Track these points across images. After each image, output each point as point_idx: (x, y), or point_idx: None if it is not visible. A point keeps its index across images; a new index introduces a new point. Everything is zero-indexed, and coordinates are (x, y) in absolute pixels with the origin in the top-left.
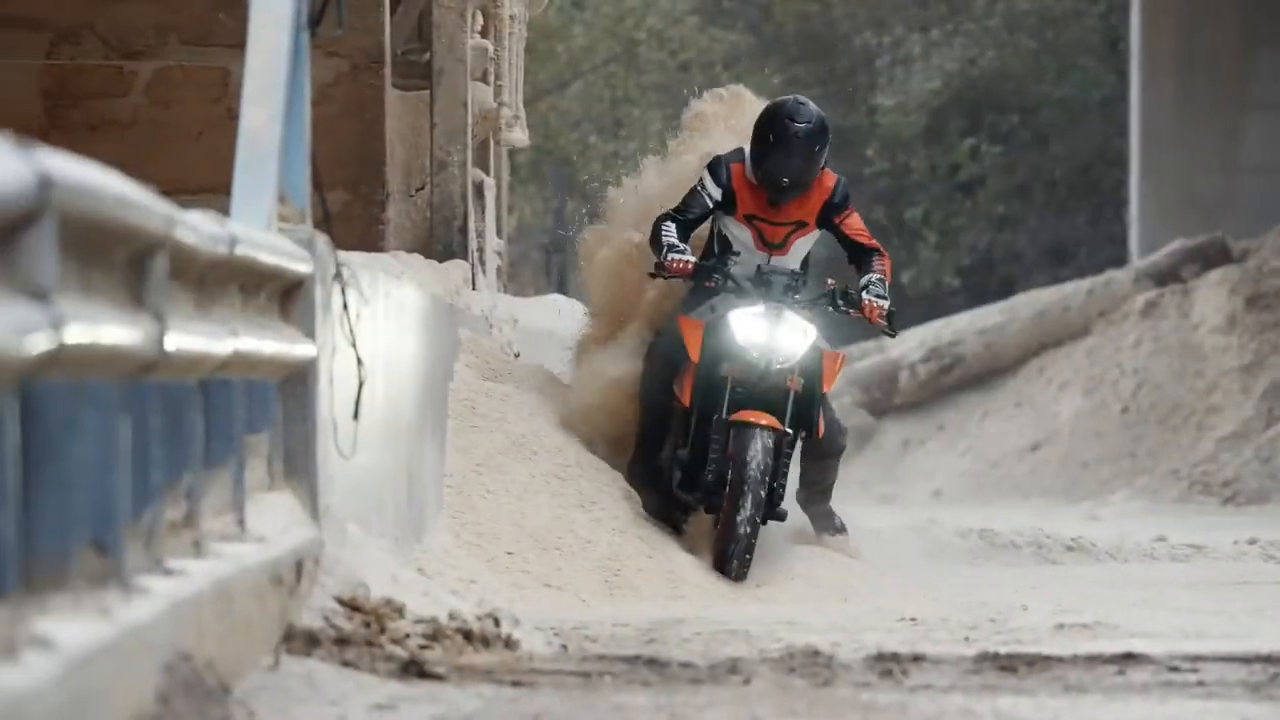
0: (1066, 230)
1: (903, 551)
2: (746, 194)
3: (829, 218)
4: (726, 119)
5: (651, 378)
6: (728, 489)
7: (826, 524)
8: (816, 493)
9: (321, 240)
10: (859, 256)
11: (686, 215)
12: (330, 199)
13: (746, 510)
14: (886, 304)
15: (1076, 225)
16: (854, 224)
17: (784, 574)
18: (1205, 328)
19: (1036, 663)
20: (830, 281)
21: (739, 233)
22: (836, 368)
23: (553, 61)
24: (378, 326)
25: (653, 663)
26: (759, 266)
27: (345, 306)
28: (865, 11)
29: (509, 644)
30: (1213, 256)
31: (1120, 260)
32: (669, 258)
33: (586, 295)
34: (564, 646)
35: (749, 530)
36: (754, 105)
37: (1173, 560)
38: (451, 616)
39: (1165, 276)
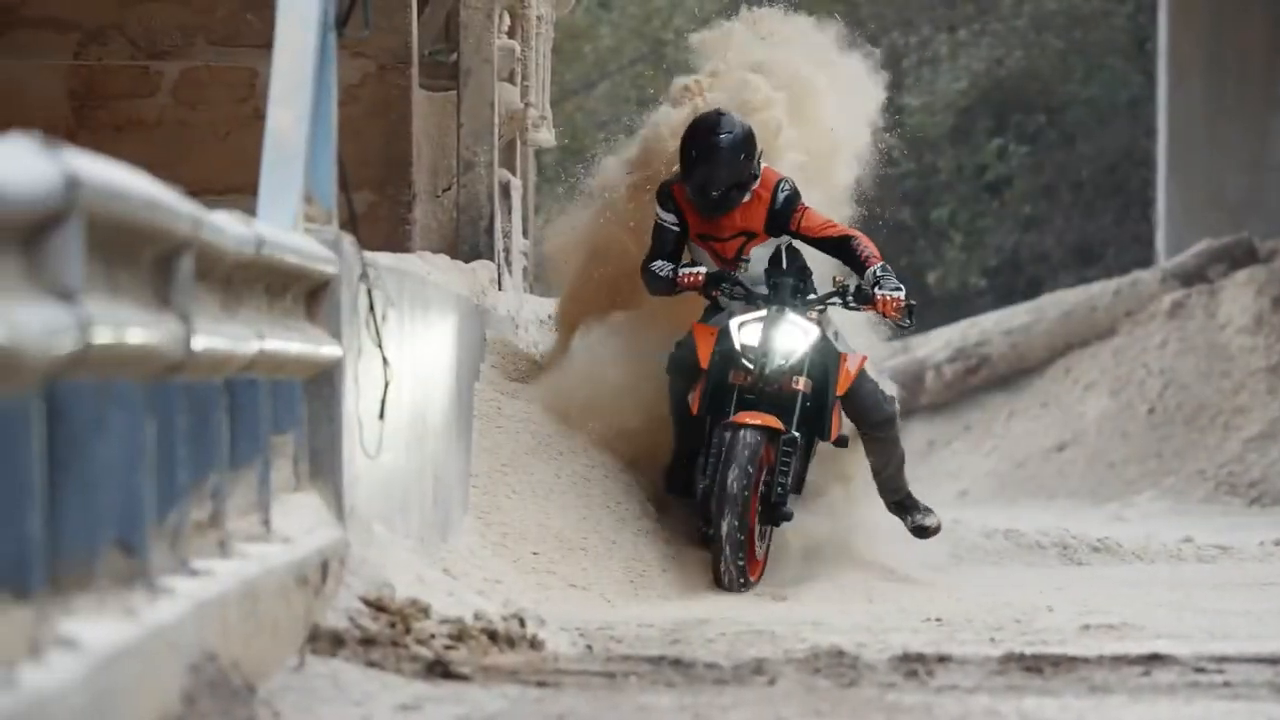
0: (1093, 230)
1: (928, 552)
2: (691, 214)
3: (782, 225)
4: (725, 53)
5: (675, 388)
6: (714, 495)
7: (911, 515)
8: (886, 480)
9: (348, 241)
10: (839, 251)
11: (663, 251)
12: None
13: (727, 517)
14: (902, 295)
15: (1103, 225)
16: (813, 222)
17: (807, 575)
18: (1232, 328)
19: (1062, 663)
20: (838, 278)
21: (700, 255)
22: (853, 371)
23: (579, 62)
24: (403, 327)
25: (677, 663)
26: (767, 271)
27: (371, 307)
28: (893, 12)
29: (534, 644)
30: (1239, 257)
31: (1147, 261)
32: (680, 274)
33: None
34: (589, 647)
35: (732, 536)
36: (794, 24)
37: (1199, 561)
38: (477, 617)
39: (1192, 277)
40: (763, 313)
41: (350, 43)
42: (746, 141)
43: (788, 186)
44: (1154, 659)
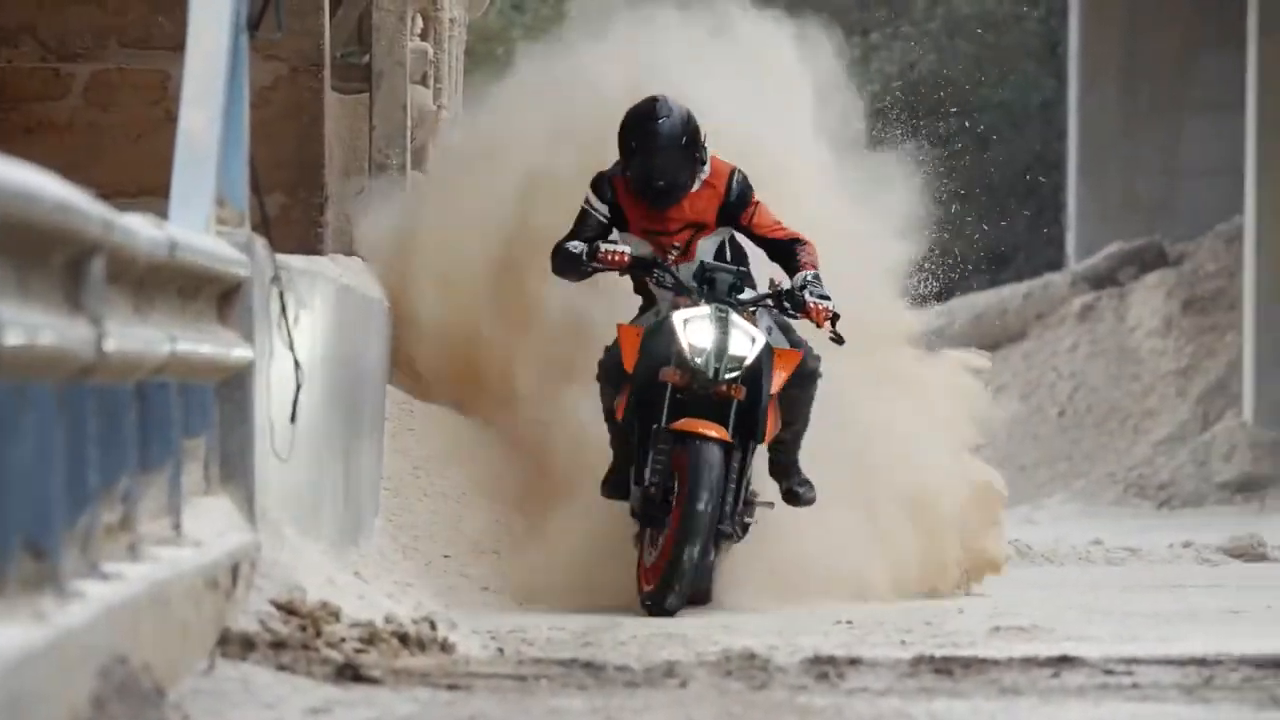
0: (1005, 233)
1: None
2: (633, 207)
3: (733, 217)
4: None
5: (605, 394)
6: (675, 509)
7: (790, 480)
8: (787, 440)
9: (260, 243)
10: (781, 253)
11: (581, 237)
12: (269, 202)
13: (697, 544)
14: (830, 305)
15: (1015, 228)
16: (764, 219)
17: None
18: (1142, 331)
19: (972, 665)
20: (774, 280)
21: (639, 247)
22: (787, 370)
23: (492, 64)
24: (315, 330)
25: (589, 666)
26: (702, 263)
27: (283, 310)
28: (806, 15)
29: (445, 647)
30: (1150, 260)
31: (1058, 263)
32: (601, 250)
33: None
34: (500, 650)
35: (694, 564)
36: None
37: (1108, 563)
38: (388, 620)
39: (1102, 280)
40: (706, 310)
41: (262, 45)
42: (687, 127)
43: (741, 177)
44: (1063, 661)
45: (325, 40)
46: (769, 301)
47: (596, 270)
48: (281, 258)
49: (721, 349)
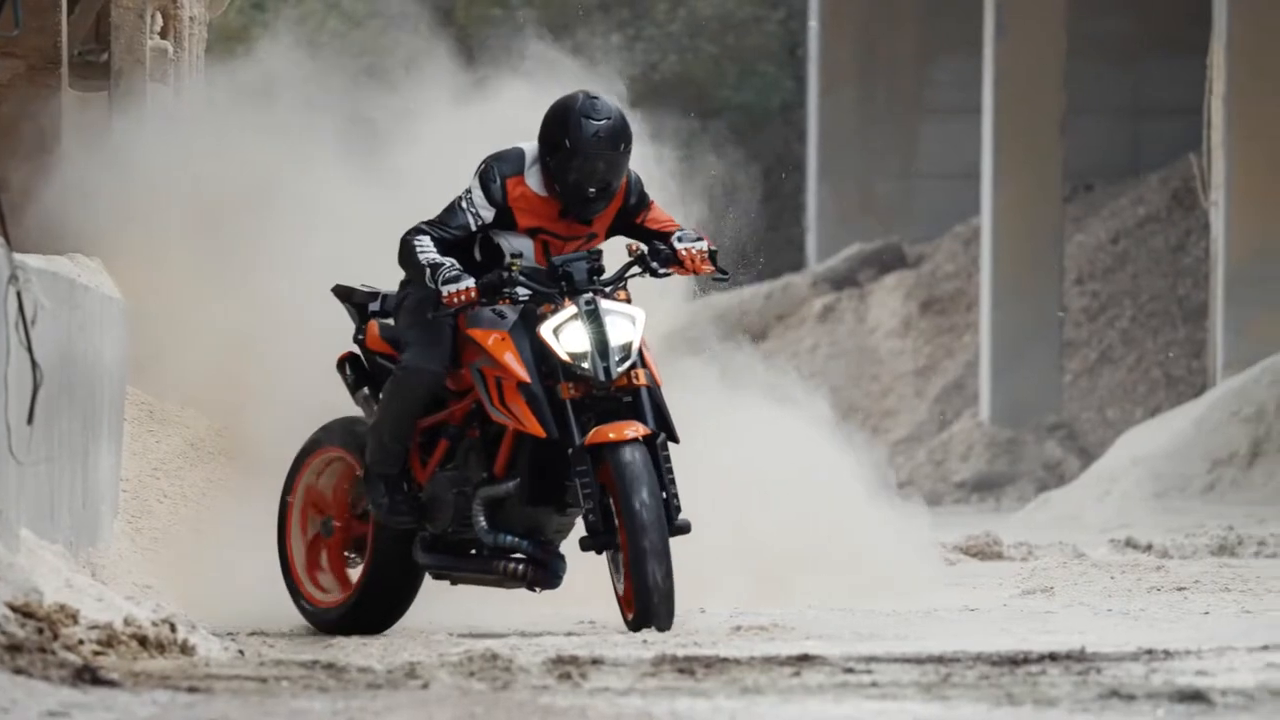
0: (746, 234)
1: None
2: (529, 207)
3: (627, 221)
4: None
5: (405, 402)
6: (620, 528)
7: None
8: None
9: None
10: (667, 239)
11: (444, 232)
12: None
13: (656, 554)
14: (704, 245)
15: (756, 229)
16: (658, 214)
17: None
18: (881, 332)
19: (714, 665)
20: (632, 245)
21: (518, 244)
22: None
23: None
24: (54, 330)
25: (330, 667)
26: (550, 261)
27: (21, 309)
28: (549, 16)
29: (185, 649)
30: (888, 261)
31: (798, 264)
32: (445, 292)
33: None
34: (241, 652)
35: (664, 573)
36: None
37: None
38: (127, 622)
39: (842, 281)
40: (571, 309)
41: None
42: (625, 129)
43: (637, 177)
44: (804, 659)
45: (63, 38)
46: (636, 268)
47: (444, 316)
48: (19, 257)
49: (603, 344)
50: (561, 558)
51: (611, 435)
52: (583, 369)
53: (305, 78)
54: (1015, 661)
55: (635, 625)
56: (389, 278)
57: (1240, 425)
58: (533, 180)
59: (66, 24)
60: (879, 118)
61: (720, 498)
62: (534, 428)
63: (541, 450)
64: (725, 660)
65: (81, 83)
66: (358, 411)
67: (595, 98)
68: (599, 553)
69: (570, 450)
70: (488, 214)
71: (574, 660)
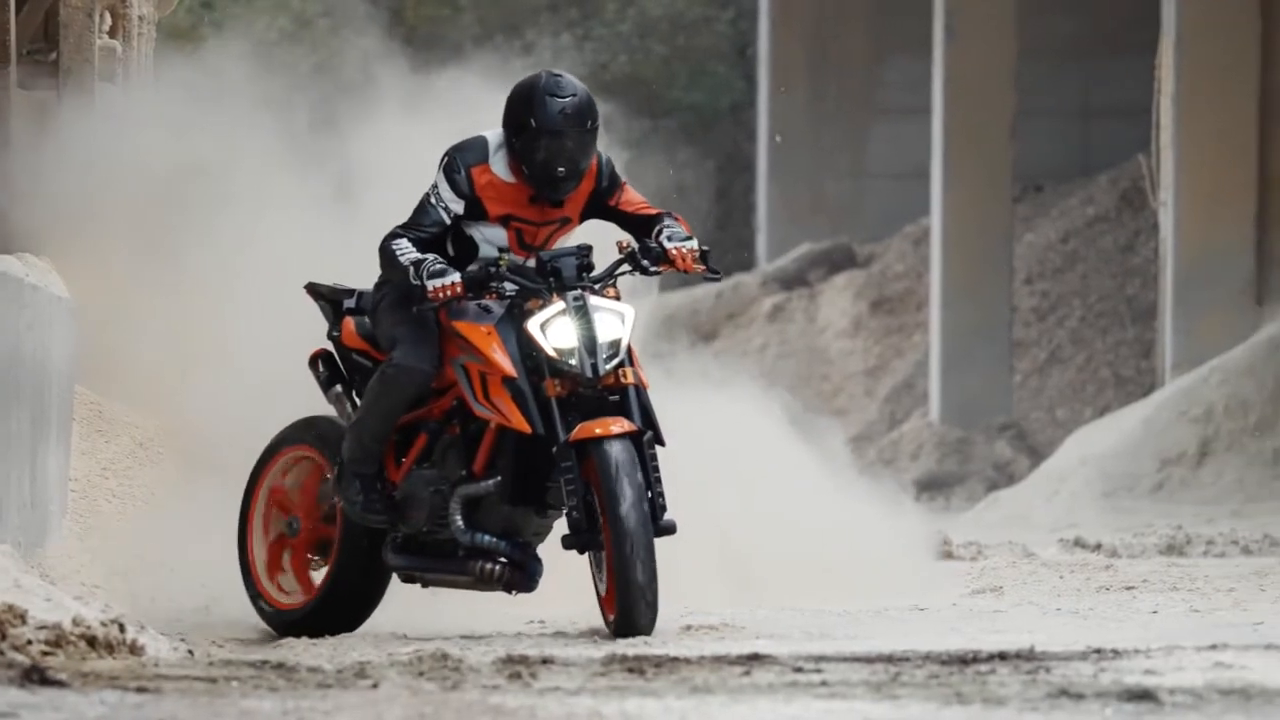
0: (697, 234)
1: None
2: (498, 194)
3: (600, 204)
4: None
5: (393, 400)
6: (604, 525)
7: None
8: None
9: None
10: (649, 228)
11: (420, 232)
12: None
13: (639, 555)
14: (693, 244)
15: (707, 229)
16: (632, 197)
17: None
18: (831, 331)
19: (664, 664)
20: (623, 241)
21: (491, 234)
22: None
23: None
24: (2, 329)
25: (280, 667)
26: (539, 256)
27: None
28: (498, 16)
29: (134, 650)
30: (838, 260)
31: (749, 264)
32: (430, 286)
33: None
34: (190, 652)
35: (648, 574)
36: None
37: None
38: (75, 622)
39: (792, 280)
40: (559, 305)
41: None
42: (592, 107)
43: (609, 159)
44: (754, 659)
45: (11, 36)
46: (626, 265)
47: (430, 309)
48: None
49: (591, 340)
50: (539, 560)
51: (598, 430)
52: (569, 365)
53: (254, 76)
54: (964, 661)
55: (617, 627)
56: (341, 276)
57: (1189, 425)
58: (498, 167)
59: (14, 22)
60: (828, 118)
61: (692, 496)
62: (519, 423)
63: (524, 448)
64: (675, 660)
65: (30, 81)
66: (307, 412)
67: (559, 75)
68: (581, 552)
69: (554, 448)
70: (457, 206)
71: (524, 660)
